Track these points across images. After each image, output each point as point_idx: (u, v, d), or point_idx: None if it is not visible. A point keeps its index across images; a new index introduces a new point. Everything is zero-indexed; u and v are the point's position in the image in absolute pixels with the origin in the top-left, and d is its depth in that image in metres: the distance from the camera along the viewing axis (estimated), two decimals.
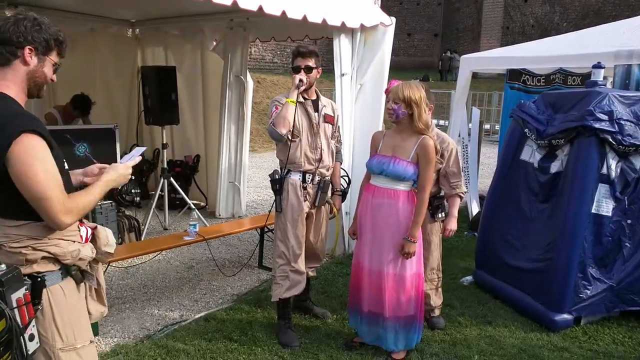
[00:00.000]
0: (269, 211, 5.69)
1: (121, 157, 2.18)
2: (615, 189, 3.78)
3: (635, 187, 3.81)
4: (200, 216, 6.06)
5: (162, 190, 6.03)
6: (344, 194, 4.01)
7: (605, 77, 6.70)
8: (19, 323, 1.70)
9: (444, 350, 3.47)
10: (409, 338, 3.34)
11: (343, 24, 4.79)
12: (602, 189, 3.78)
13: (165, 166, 6.09)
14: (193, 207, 6.11)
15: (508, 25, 24.28)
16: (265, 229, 4.96)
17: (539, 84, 6.53)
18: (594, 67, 4.15)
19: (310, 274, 3.84)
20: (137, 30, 7.38)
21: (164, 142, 6.04)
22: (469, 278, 4.69)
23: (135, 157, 2.12)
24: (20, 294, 1.72)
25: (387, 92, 3.30)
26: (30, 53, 1.81)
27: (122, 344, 3.47)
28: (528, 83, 6.58)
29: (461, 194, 3.73)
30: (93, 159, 2.62)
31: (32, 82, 1.86)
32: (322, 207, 3.70)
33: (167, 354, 3.30)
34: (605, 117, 3.70)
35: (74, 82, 5.84)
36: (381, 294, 3.28)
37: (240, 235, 5.80)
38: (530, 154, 4.23)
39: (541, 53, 6.24)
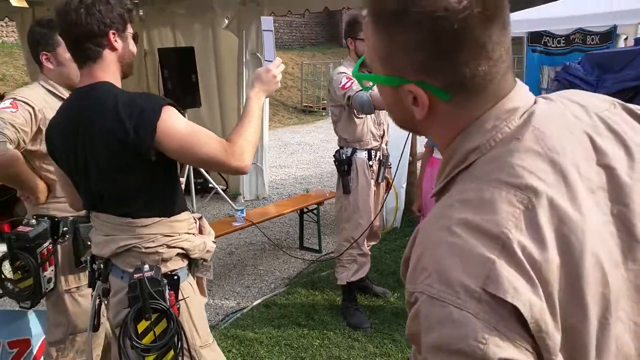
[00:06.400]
0: (306, 191, 5.59)
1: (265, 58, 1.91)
2: None
3: None
4: (229, 200, 5.94)
5: (182, 175, 5.87)
6: None
7: (627, 37, 6.70)
8: (181, 324, 1.64)
9: None
10: None
11: None
12: None
13: None
14: (220, 191, 5.97)
15: None
16: (305, 210, 4.86)
17: (559, 45, 6.44)
18: None
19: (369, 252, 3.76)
20: (141, 11, 7.10)
21: None
22: None
23: (272, 48, 1.89)
24: (166, 294, 1.65)
25: None
26: (114, 37, 1.67)
27: None
28: (549, 45, 6.49)
29: None
30: None
31: (124, 65, 1.75)
32: (381, 182, 3.60)
33: (241, 344, 3.22)
34: None
35: None
36: None
37: None
38: None
39: (565, 13, 6.14)
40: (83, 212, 2.26)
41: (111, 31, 1.65)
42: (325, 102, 14.34)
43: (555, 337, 0.67)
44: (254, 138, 1.71)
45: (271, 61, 1.87)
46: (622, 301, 0.74)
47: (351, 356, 3.09)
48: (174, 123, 1.60)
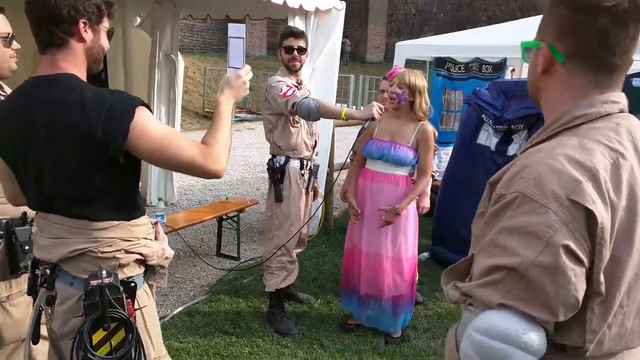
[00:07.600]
0: (226, 197, 5.51)
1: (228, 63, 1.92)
2: None
3: None
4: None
5: None
6: None
7: (513, 69, 7.47)
8: (139, 333, 1.55)
9: (434, 325, 3.65)
10: (404, 318, 3.46)
11: (301, 6, 4.72)
12: None
13: None
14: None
15: (392, 13, 25.43)
16: (224, 217, 4.79)
17: (459, 71, 6.98)
18: None
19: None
20: None
21: None
22: (426, 254, 4.95)
23: (241, 55, 1.88)
24: (125, 303, 1.57)
25: (390, 76, 3.34)
26: (84, 27, 1.56)
27: None
28: (452, 70, 7.01)
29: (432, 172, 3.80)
30: None
31: (92, 59, 1.63)
32: (310, 192, 3.67)
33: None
34: None
35: None
36: (379, 277, 3.35)
37: None
38: (487, 137, 4.54)
39: (466, 42, 6.68)
40: (18, 214, 2.08)
41: (82, 20, 1.54)
42: None
43: (607, 250, 0.93)
44: (228, 142, 1.69)
45: (238, 68, 1.87)
46: None
47: None
48: (148, 125, 1.54)
